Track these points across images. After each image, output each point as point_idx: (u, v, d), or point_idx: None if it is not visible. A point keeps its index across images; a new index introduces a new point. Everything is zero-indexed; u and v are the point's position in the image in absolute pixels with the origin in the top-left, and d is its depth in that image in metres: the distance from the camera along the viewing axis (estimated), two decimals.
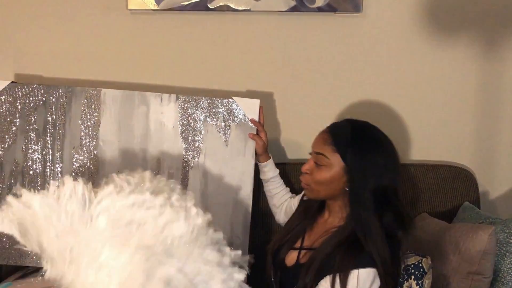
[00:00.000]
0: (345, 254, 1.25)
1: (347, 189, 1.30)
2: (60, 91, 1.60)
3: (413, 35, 1.82)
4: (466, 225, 1.50)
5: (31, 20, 1.79)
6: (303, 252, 1.36)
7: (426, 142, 1.90)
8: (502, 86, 1.87)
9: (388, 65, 1.84)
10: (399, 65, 1.84)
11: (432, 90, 1.87)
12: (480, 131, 1.90)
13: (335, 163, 1.30)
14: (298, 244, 1.39)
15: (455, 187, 1.80)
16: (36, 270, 1.62)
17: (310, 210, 1.44)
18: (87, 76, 1.82)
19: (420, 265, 1.36)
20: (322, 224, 1.40)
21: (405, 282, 1.36)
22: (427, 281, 1.36)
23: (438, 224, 1.61)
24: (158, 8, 1.75)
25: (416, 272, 1.35)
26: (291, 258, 1.38)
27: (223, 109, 1.62)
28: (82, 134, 1.60)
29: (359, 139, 1.30)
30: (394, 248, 1.27)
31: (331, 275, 1.22)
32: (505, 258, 1.46)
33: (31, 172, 1.60)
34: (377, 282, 1.23)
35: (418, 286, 1.34)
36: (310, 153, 1.37)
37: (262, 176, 1.65)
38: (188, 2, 1.74)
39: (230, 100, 1.62)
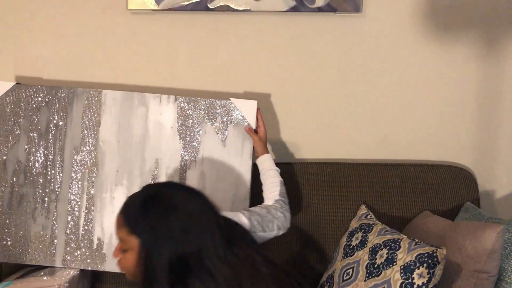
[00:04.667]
0: None
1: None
2: (62, 92, 1.67)
3: (413, 35, 1.85)
4: (473, 223, 1.53)
5: (31, 20, 1.84)
6: None
7: (426, 142, 1.93)
8: (502, 86, 1.89)
9: (388, 65, 1.88)
10: (399, 65, 1.87)
11: (432, 90, 1.90)
12: (480, 131, 1.92)
13: (134, 244, 1.16)
14: None
15: (455, 187, 1.82)
16: (36, 269, 1.67)
17: None
18: (87, 76, 1.86)
19: (435, 254, 1.34)
20: None
21: (416, 269, 1.34)
22: (438, 272, 1.35)
23: (442, 222, 1.63)
24: (158, 8, 1.78)
25: (429, 261, 1.34)
26: None
27: (221, 110, 1.67)
28: (83, 134, 1.67)
29: (147, 209, 1.17)
30: None
31: None
32: (510, 258, 1.48)
33: (33, 171, 1.66)
34: None
35: (429, 275, 1.33)
36: None
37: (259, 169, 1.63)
38: (188, 2, 1.76)
39: (228, 101, 1.66)
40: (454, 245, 1.46)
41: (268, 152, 1.64)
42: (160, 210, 1.17)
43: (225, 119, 1.66)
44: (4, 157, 1.64)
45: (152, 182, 1.38)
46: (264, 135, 1.65)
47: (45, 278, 1.58)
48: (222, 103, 1.66)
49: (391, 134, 1.90)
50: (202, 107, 1.66)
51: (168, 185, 1.32)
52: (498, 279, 1.46)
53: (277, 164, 1.72)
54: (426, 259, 1.34)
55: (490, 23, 1.84)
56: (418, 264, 1.35)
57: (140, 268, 1.15)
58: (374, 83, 1.88)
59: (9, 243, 1.63)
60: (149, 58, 1.85)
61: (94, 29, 1.82)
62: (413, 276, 1.34)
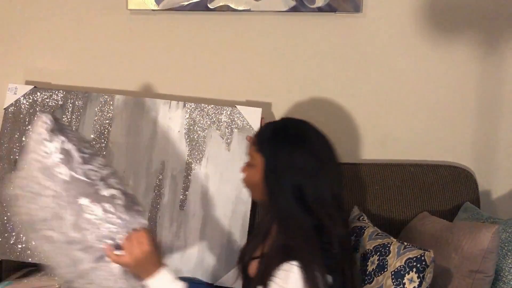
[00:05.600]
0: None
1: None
2: (77, 95, 1.71)
3: (413, 35, 1.86)
4: (469, 223, 1.53)
5: (33, 20, 1.85)
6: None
7: (426, 142, 1.94)
8: (502, 86, 1.90)
9: (388, 65, 1.89)
10: (399, 65, 1.89)
11: (432, 90, 1.90)
12: (480, 131, 1.93)
13: (258, 162, 1.28)
14: (258, 253, 1.35)
15: (455, 187, 1.83)
16: (37, 270, 1.67)
17: (264, 219, 1.40)
18: (87, 76, 1.87)
19: (423, 258, 1.36)
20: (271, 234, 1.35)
21: (406, 274, 1.36)
22: (428, 275, 1.36)
23: (439, 223, 1.64)
24: (158, 8, 1.80)
25: (418, 265, 1.36)
26: (252, 268, 1.35)
27: (226, 116, 1.70)
28: (94, 136, 1.70)
29: (278, 136, 1.28)
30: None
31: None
32: (507, 258, 1.48)
33: None
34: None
35: (419, 279, 1.34)
36: None
37: None
38: (188, 2, 1.77)
39: (234, 108, 1.71)
40: (451, 245, 1.47)
41: None
42: (287, 140, 1.26)
43: (230, 125, 1.69)
44: (16, 157, 1.67)
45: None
46: None
47: (45, 278, 1.59)
48: (228, 109, 1.70)
49: (391, 134, 1.90)
50: (209, 113, 1.70)
51: (306, 123, 1.33)
52: (495, 279, 1.47)
53: None
54: (415, 263, 1.35)
55: (490, 23, 1.85)
56: (407, 269, 1.35)
57: (265, 187, 1.26)
58: (374, 83, 1.89)
59: (11, 241, 1.64)
60: (148, 58, 1.86)
61: (93, 29, 1.84)
62: (404, 281, 1.35)
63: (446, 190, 1.81)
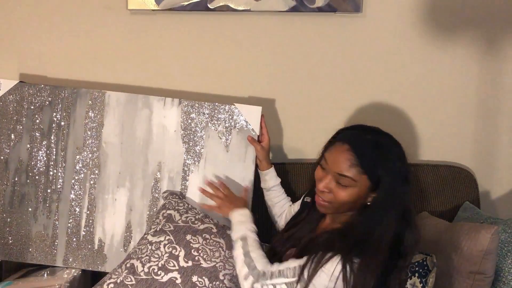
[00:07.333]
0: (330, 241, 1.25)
1: (368, 203, 1.29)
2: (65, 92, 1.68)
3: (413, 35, 1.87)
4: (468, 224, 1.54)
5: (33, 19, 1.85)
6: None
7: (426, 142, 1.96)
8: (502, 86, 1.91)
9: (388, 66, 1.90)
10: (399, 65, 1.90)
11: (432, 90, 1.92)
12: (480, 131, 1.94)
13: (361, 183, 1.27)
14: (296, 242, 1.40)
15: (455, 187, 1.84)
16: (37, 269, 1.68)
17: (312, 216, 1.43)
18: (88, 75, 1.87)
19: (425, 263, 1.36)
20: (322, 229, 1.40)
21: (409, 279, 1.37)
22: (430, 280, 1.37)
23: (439, 223, 1.64)
24: (158, 8, 1.80)
25: (420, 270, 1.37)
26: (288, 256, 1.37)
27: (225, 115, 1.68)
28: (86, 135, 1.68)
29: (387, 158, 1.27)
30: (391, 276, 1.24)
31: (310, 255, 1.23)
32: (507, 258, 1.50)
33: (34, 171, 1.67)
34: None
35: (421, 284, 1.35)
36: (323, 167, 1.33)
37: (263, 185, 1.70)
38: (188, 2, 1.77)
39: (232, 106, 1.68)
40: (450, 246, 1.48)
41: (271, 164, 1.66)
42: (393, 155, 1.27)
43: (228, 124, 1.67)
44: (6, 156, 1.66)
45: (366, 125, 1.40)
46: (268, 144, 1.65)
47: (46, 278, 1.60)
48: (226, 108, 1.67)
49: (391, 133, 1.91)
50: (206, 111, 1.67)
51: (388, 135, 1.37)
52: (495, 279, 1.49)
53: (279, 164, 1.73)
54: (417, 268, 1.36)
55: (489, 24, 1.87)
56: (409, 274, 1.36)
57: (359, 203, 1.27)
58: (374, 83, 1.90)
59: (10, 241, 1.65)
60: (148, 58, 1.86)
61: (94, 29, 1.83)
62: (406, 286, 1.36)
63: (446, 190, 1.83)
